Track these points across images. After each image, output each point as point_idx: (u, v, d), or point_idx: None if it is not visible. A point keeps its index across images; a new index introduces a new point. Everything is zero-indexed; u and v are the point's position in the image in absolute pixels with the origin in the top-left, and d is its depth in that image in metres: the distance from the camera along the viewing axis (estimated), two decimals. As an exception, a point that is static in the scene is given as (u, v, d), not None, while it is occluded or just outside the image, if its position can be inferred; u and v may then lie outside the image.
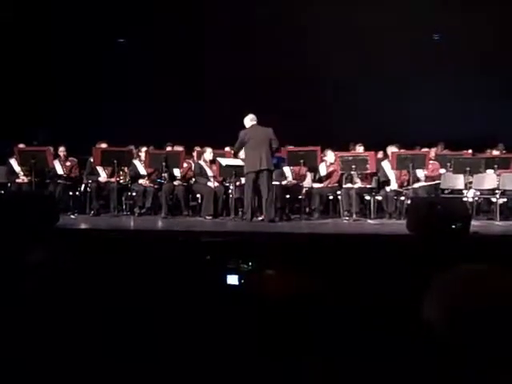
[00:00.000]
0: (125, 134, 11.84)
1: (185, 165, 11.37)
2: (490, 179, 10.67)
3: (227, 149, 12.01)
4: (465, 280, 1.38)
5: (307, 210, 11.03)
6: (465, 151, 11.79)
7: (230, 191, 10.93)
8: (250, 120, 9.99)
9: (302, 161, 10.63)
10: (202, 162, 11.36)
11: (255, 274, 3.41)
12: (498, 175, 10.62)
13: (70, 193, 11.46)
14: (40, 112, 14.14)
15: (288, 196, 10.95)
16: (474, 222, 9.11)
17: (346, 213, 10.51)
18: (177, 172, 11.33)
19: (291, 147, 11.18)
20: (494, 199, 10.60)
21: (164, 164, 10.78)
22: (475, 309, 1.32)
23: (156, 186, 11.08)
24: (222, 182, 11.16)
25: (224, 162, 10.87)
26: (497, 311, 1.30)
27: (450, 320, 1.34)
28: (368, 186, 10.94)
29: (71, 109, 14.30)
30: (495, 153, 11.76)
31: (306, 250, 6.59)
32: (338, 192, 10.84)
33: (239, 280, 3.20)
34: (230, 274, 3.24)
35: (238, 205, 10.77)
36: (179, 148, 11.73)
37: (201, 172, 11.24)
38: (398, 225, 9.30)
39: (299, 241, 7.58)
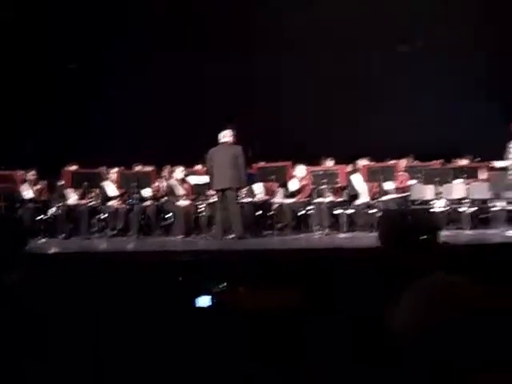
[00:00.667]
0: (95, 155, 11.75)
1: (156, 184, 11.34)
2: (458, 189, 10.78)
3: (199, 166, 11.99)
4: (435, 290, 1.40)
5: (279, 225, 11.03)
6: (434, 162, 11.89)
7: (201, 209, 10.90)
8: (221, 137, 10.00)
9: (272, 176, 10.66)
10: (172, 181, 11.33)
11: (228, 292, 3.40)
12: (466, 185, 10.73)
13: (40, 216, 11.34)
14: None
15: (259, 212, 10.95)
16: (443, 232, 9.21)
17: (317, 227, 10.54)
18: (148, 192, 11.28)
19: (262, 163, 11.20)
20: (462, 209, 10.71)
21: (135, 184, 10.73)
22: (444, 318, 1.33)
23: (128, 207, 11.02)
24: (193, 201, 11.13)
25: (193, 180, 10.86)
26: (465, 321, 1.32)
27: (421, 329, 1.35)
28: (339, 200, 10.98)
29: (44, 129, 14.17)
30: (463, 162, 11.90)
31: (279, 266, 6.59)
32: (310, 207, 10.86)
33: (212, 300, 3.19)
34: (203, 294, 3.22)
35: (210, 223, 10.75)
36: (149, 168, 11.69)
37: (172, 191, 11.20)
38: (369, 237, 9.34)
39: (271, 257, 7.58)
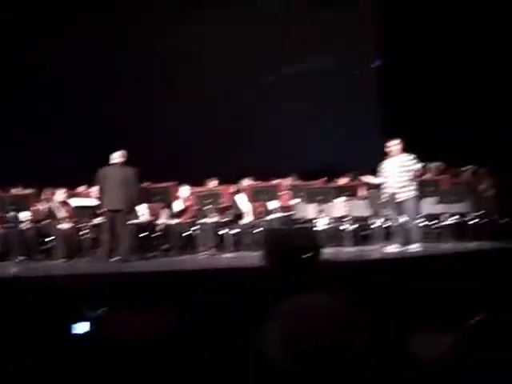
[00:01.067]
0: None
1: (36, 207, 10.96)
2: (339, 207, 11.07)
3: (81, 188, 11.71)
4: (302, 311, 1.41)
5: (164, 247, 10.93)
6: (317, 181, 12.16)
7: (84, 232, 10.63)
8: (114, 157, 9.81)
9: (156, 197, 10.55)
10: (53, 204, 11.00)
11: (109, 317, 3.32)
12: (347, 203, 11.03)
13: None
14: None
15: (144, 234, 10.82)
16: (325, 250, 9.42)
17: (202, 248, 10.53)
18: (27, 215, 10.87)
19: (147, 184, 11.08)
20: (344, 226, 11.02)
21: (12, 208, 10.33)
22: (310, 338, 1.34)
23: (5, 231, 10.58)
24: (75, 223, 10.84)
25: (75, 202, 10.60)
26: (332, 342, 1.34)
27: (288, 350, 1.35)
28: (224, 220, 11.02)
29: None
30: (344, 181, 12.26)
31: (164, 287, 6.52)
32: (195, 227, 10.83)
33: (91, 326, 3.09)
34: (82, 320, 3.12)
35: (94, 245, 10.51)
36: (28, 190, 11.29)
37: (52, 214, 10.87)
38: (254, 257, 9.41)
39: (156, 279, 7.50)
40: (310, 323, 1.38)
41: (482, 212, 11.13)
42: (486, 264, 6.81)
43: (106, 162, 9.86)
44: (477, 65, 12.62)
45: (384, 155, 9.96)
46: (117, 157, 9.82)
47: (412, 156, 9.75)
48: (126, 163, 9.87)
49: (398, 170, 9.67)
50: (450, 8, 12.87)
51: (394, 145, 9.76)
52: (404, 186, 9.61)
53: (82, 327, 3.02)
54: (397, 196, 9.66)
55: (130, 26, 14.64)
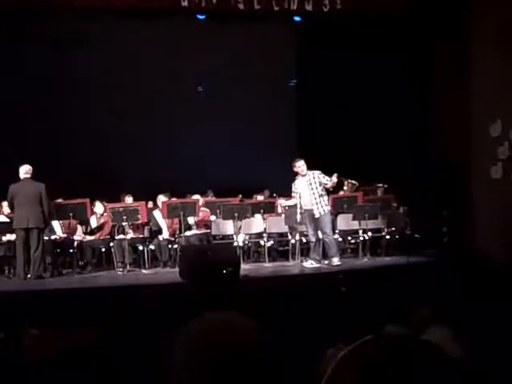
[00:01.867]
0: None
1: None
2: (257, 223, 11.14)
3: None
4: (202, 330, 1.40)
5: (80, 263, 10.70)
6: (234, 198, 12.19)
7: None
8: (23, 173, 9.52)
9: (71, 214, 10.30)
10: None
11: (17, 336, 3.21)
12: (264, 219, 11.12)
13: None
14: None
15: (59, 250, 10.57)
16: (244, 266, 9.48)
17: (119, 264, 10.38)
18: None
19: (60, 200, 10.84)
20: (262, 242, 11.09)
21: None
22: (211, 359, 1.34)
23: None
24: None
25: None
26: (233, 361, 1.33)
27: (192, 370, 1.35)
28: (140, 236, 10.90)
29: None
30: (260, 198, 12.35)
31: (79, 305, 6.39)
32: (111, 244, 10.66)
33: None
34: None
35: (6, 263, 10.19)
36: None
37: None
38: (172, 273, 9.36)
39: (71, 296, 7.35)
40: (211, 342, 1.38)
41: (394, 228, 11.47)
42: (400, 278, 6.99)
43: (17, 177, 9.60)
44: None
45: (295, 175, 10.13)
46: (23, 172, 9.53)
47: (318, 172, 9.96)
48: (33, 178, 9.60)
49: (308, 188, 9.87)
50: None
51: (302, 164, 9.94)
52: (317, 203, 9.79)
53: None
54: (312, 213, 9.81)
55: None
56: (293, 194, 10.06)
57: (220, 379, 1.32)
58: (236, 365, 1.33)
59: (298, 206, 9.94)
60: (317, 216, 9.80)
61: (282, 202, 10.47)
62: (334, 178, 10.00)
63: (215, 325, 1.41)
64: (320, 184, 9.89)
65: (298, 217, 9.93)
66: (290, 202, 10.30)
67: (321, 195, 9.86)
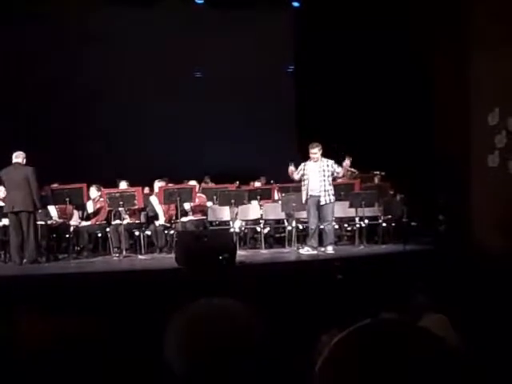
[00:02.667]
0: None
1: None
2: (254, 210, 11.13)
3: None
4: (197, 315, 1.39)
5: (76, 248, 10.69)
6: (230, 184, 12.18)
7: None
8: (14, 157, 9.49)
9: (67, 199, 10.25)
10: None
11: (12, 322, 3.20)
12: (261, 206, 11.11)
13: None
14: None
15: (54, 235, 10.56)
16: (240, 252, 9.47)
17: (115, 249, 10.37)
18: None
19: (56, 185, 10.81)
20: (258, 229, 11.08)
21: None
22: (205, 345, 1.33)
23: None
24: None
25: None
26: (227, 347, 1.32)
27: (185, 357, 1.34)
28: (137, 222, 10.88)
29: None
30: (257, 184, 12.33)
31: (75, 290, 6.38)
32: (107, 229, 10.65)
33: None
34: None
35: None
36: None
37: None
38: (168, 259, 9.36)
39: (67, 281, 7.33)
40: (206, 328, 1.37)
41: (391, 216, 11.47)
42: (396, 266, 7.00)
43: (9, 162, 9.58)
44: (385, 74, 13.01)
45: (304, 159, 10.04)
46: (17, 156, 9.51)
47: (332, 161, 9.90)
48: (24, 163, 9.56)
49: (319, 175, 9.78)
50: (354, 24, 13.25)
51: (318, 151, 9.81)
52: (326, 191, 9.73)
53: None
54: (318, 199, 9.74)
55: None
56: (299, 172, 9.95)
57: (215, 364, 1.32)
58: (231, 350, 1.32)
59: (306, 188, 9.85)
60: (322, 203, 9.75)
61: (292, 169, 10.18)
62: (347, 161, 9.99)
63: (210, 310, 1.40)
64: (332, 174, 9.84)
65: (304, 198, 9.87)
66: (296, 176, 10.04)
67: (330, 184, 9.81)
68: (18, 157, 9.50)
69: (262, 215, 11.02)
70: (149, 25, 14.54)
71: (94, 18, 14.26)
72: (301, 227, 10.87)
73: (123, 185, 11.15)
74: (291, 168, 9.96)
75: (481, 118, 10.47)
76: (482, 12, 10.52)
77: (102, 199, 10.80)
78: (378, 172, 12.66)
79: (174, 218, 10.83)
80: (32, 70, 13.78)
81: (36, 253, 9.33)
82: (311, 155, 9.84)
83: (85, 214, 11.09)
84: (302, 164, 9.95)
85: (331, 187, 9.85)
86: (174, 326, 1.39)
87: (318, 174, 9.78)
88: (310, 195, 9.80)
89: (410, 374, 1.01)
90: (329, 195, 9.76)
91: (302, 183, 9.94)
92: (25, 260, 9.30)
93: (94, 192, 10.96)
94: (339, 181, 11.51)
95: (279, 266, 8.69)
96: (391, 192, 11.95)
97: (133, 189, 10.70)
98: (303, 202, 9.94)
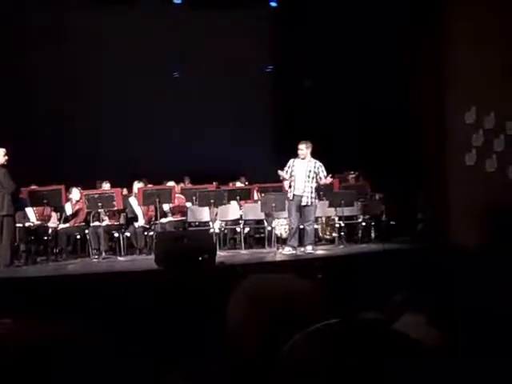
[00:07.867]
0: None
1: None
2: (233, 210, 11.11)
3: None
4: (262, 283, 1.41)
5: (55, 251, 10.61)
6: (209, 184, 12.14)
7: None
8: None
9: (45, 201, 10.16)
10: None
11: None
12: (240, 206, 11.09)
13: None
14: None
15: (33, 238, 10.47)
16: (220, 253, 9.46)
17: (95, 251, 10.31)
18: None
19: (34, 187, 10.72)
20: (238, 229, 11.08)
21: None
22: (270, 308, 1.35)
23: None
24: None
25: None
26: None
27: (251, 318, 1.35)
28: (116, 223, 10.82)
29: None
30: (238, 185, 12.32)
31: (53, 292, 6.34)
32: (86, 231, 10.58)
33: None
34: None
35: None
36: None
37: None
38: (148, 260, 9.32)
39: (45, 284, 7.27)
40: (270, 292, 1.40)
41: (369, 215, 11.53)
42: (375, 265, 7.02)
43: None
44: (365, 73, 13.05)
45: (283, 159, 10.01)
46: None
47: (320, 163, 9.78)
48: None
49: (305, 174, 9.67)
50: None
51: (304, 146, 9.70)
52: (309, 192, 9.63)
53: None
54: (300, 199, 9.66)
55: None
56: (286, 169, 9.80)
57: (276, 327, 1.32)
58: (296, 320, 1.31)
59: (291, 185, 9.74)
60: (303, 204, 9.68)
61: (281, 173, 10.07)
62: (329, 179, 9.87)
63: (274, 280, 1.42)
64: (316, 175, 9.78)
65: (290, 195, 9.77)
66: (284, 175, 9.96)
67: (314, 186, 9.69)
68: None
69: (241, 215, 11.01)
70: (127, 24, 14.48)
71: (72, 18, 14.17)
72: (281, 227, 10.86)
73: (106, 186, 11.10)
74: (280, 172, 9.89)
75: (457, 116, 10.56)
76: (457, 9, 10.60)
77: (80, 201, 10.72)
78: (352, 172, 12.71)
79: (153, 219, 10.78)
80: (8, 70, 13.65)
81: (9, 256, 9.16)
82: (298, 151, 9.75)
83: (63, 215, 11.00)
84: (291, 160, 9.82)
85: (315, 189, 9.74)
86: (237, 302, 1.40)
87: (303, 173, 9.66)
88: (294, 194, 9.75)
89: (371, 374, 1.00)
90: (312, 198, 9.70)
91: (291, 179, 9.80)
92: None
93: (76, 194, 10.87)
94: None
95: (259, 267, 8.68)
96: (370, 191, 12.00)
97: (112, 190, 10.64)
98: (289, 197, 9.80)
